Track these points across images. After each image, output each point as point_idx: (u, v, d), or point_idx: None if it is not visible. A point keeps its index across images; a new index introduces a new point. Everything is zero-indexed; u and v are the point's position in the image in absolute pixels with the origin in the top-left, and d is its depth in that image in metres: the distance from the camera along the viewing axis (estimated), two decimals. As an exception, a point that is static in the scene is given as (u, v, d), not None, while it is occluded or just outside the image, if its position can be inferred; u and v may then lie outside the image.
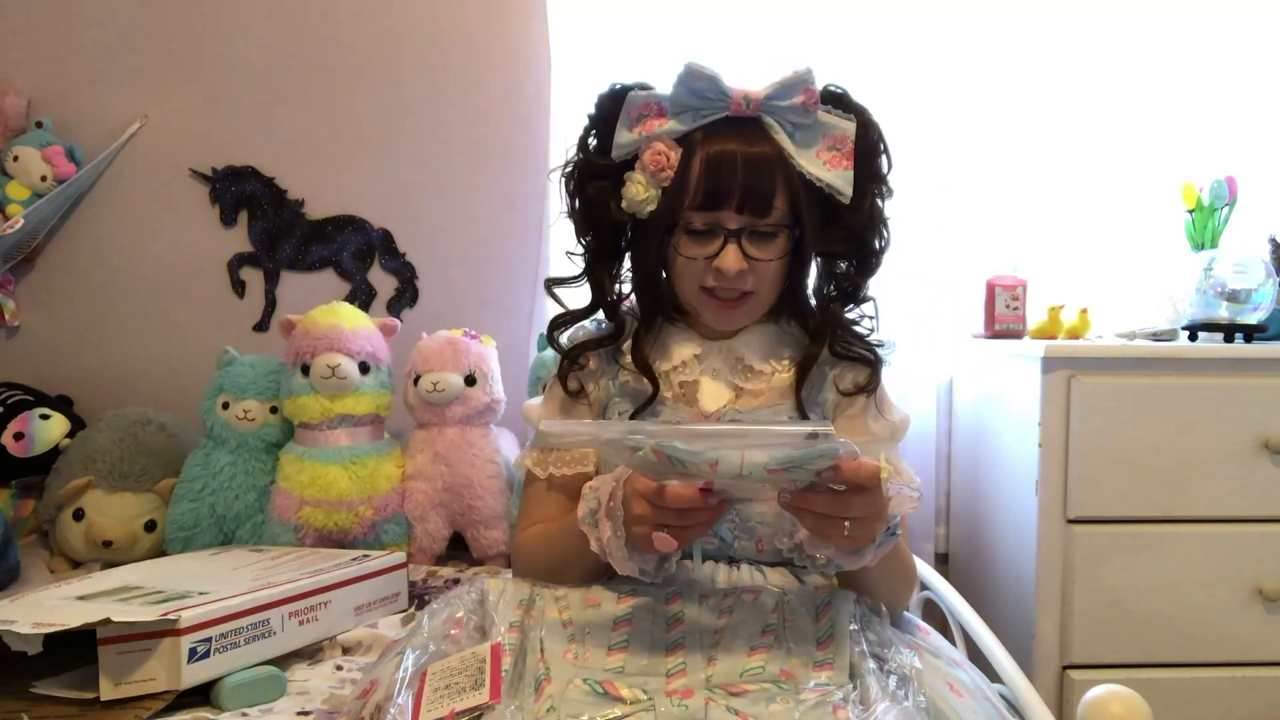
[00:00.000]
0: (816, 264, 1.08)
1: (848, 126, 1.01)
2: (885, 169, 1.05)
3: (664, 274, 1.07)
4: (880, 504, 0.82)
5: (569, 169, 1.08)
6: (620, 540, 0.88)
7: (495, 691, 0.80)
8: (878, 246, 1.06)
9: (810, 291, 1.09)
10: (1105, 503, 1.52)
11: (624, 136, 1.02)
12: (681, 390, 1.07)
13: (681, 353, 1.07)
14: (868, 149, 1.02)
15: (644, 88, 1.04)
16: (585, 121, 1.07)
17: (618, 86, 1.05)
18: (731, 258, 0.98)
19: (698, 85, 0.99)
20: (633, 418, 1.05)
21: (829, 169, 1.00)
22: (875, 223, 1.04)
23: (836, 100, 1.03)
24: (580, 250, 1.10)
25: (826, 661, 0.83)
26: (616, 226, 1.06)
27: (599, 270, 1.09)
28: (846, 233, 1.03)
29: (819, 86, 1.00)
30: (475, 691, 0.80)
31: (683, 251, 1.01)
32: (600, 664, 0.85)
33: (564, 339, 1.13)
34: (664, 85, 1.03)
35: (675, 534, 0.83)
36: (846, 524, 0.80)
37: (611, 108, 1.04)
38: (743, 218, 0.98)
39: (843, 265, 1.08)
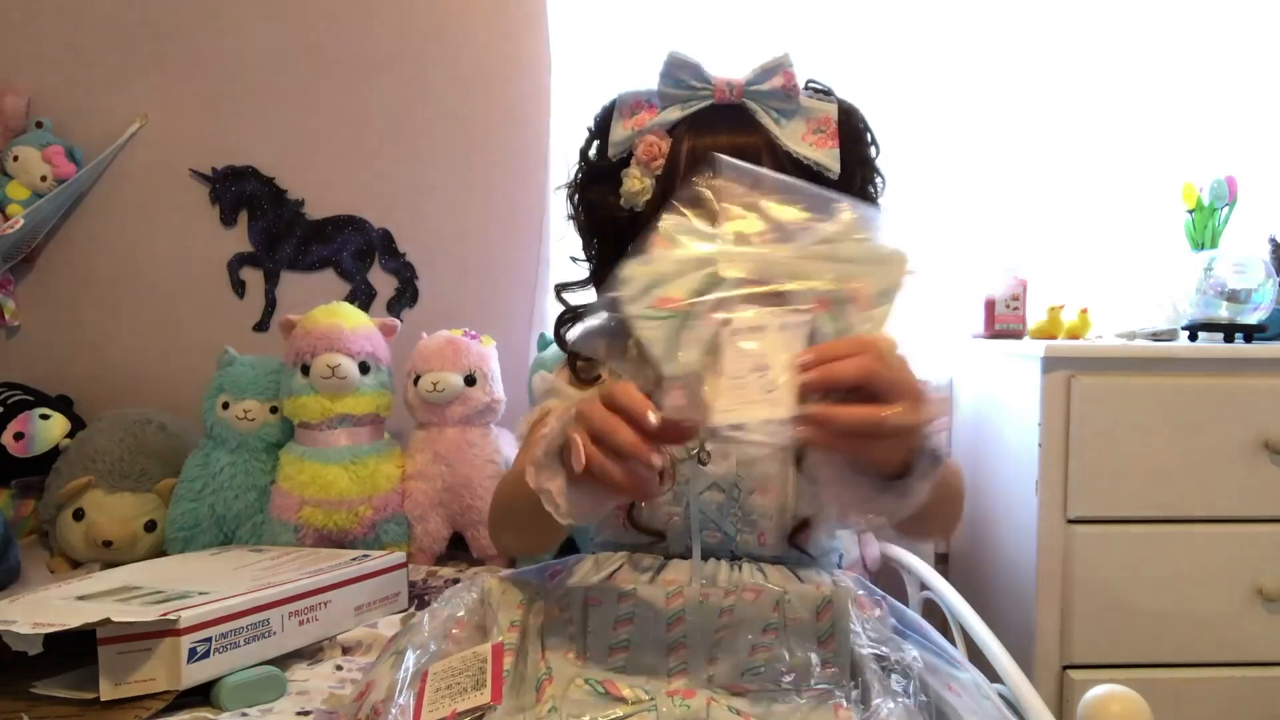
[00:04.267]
0: None
1: (829, 108, 1.03)
2: (873, 155, 1.06)
3: None
4: (913, 383, 0.67)
5: (572, 180, 1.11)
6: (551, 456, 0.77)
7: (497, 693, 0.80)
8: None
9: None
10: (1105, 503, 1.52)
11: (618, 134, 1.06)
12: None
13: None
14: (852, 134, 1.04)
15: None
16: (585, 134, 1.11)
17: (614, 97, 1.08)
18: None
19: (680, 74, 1.02)
20: None
21: (815, 149, 1.02)
22: (868, 204, 1.05)
23: (821, 95, 1.06)
24: (584, 257, 1.12)
25: (828, 660, 0.83)
26: (618, 225, 1.07)
27: (604, 272, 1.10)
28: None
29: (797, 73, 1.02)
30: (476, 692, 0.80)
31: None
32: (602, 663, 0.85)
33: (574, 333, 1.14)
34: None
35: (606, 470, 0.68)
36: (886, 414, 0.64)
37: (608, 115, 1.08)
38: None
39: None
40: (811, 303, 0.68)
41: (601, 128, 1.08)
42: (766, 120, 1.01)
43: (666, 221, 0.73)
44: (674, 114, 1.02)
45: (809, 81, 1.06)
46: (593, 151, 1.10)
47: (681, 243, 0.71)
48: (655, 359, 0.69)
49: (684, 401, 0.67)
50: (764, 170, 0.75)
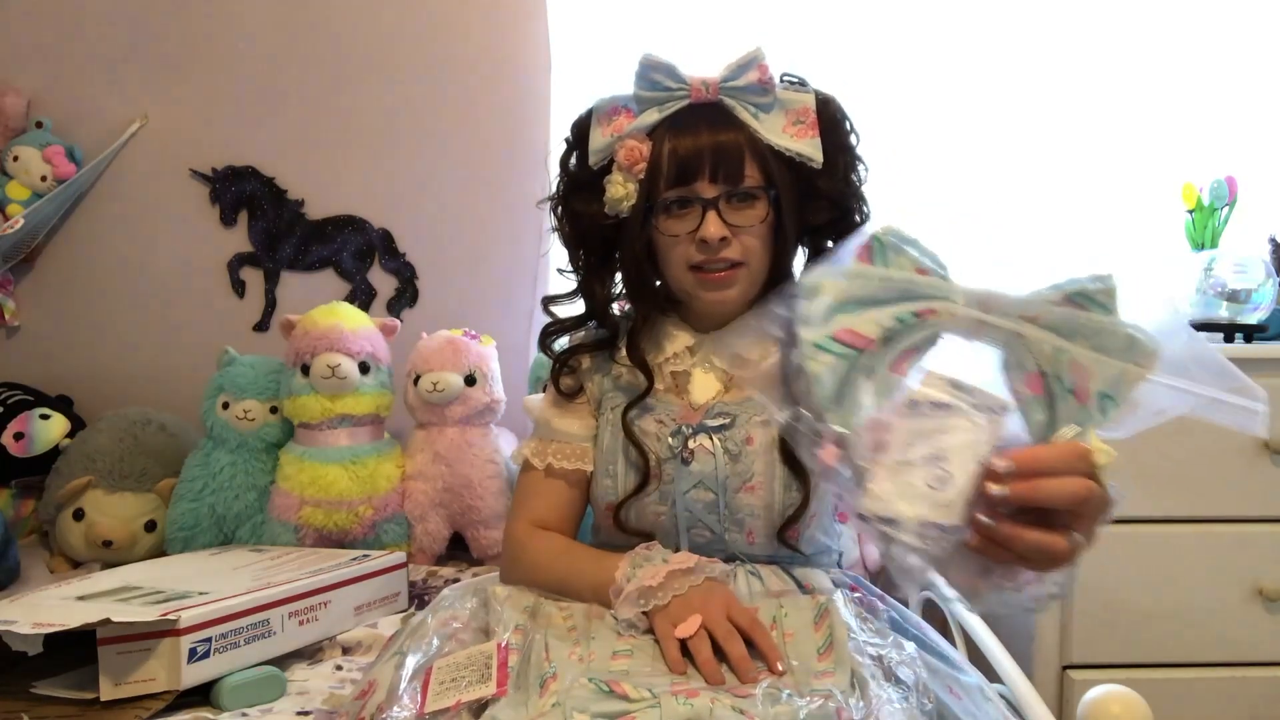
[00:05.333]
0: (804, 246, 1.10)
1: (806, 99, 1.04)
2: (853, 142, 1.07)
3: (652, 266, 1.07)
4: (1108, 505, 0.64)
5: (554, 193, 1.11)
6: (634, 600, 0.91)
7: (502, 683, 0.80)
8: (858, 220, 1.07)
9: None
10: (1105, 503, 1.52)
11: (598, 141, 1.06)
12: (674, 380, 1.08)
13: (674, 344, 1.08)
14: (831, 123, 1.05)
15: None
16: (564, 146, 1.11)
17: (589, 108, 1.08)
18: (712, 226, 0.99)
19: (655, 76, 1.02)
20: (625, 411, 1.06)
21: (795, 140, 1.02)
22: (853, 191, 1.06)
23: (797, 86, 1.06)
24: (571, 269, 1.13)
25: (827, 671, 0.83)
26: (604, 233, 1.07)
27: (592, 282, 1.11)
28: (829, 201, 1.05)
29: (770, 66, 1.02)
30: (481, 685, 0.81)
31: (665, 231, 1.03)
32: (605, 666, 0.85)
33: (562, 342, 1.15)
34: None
35: (708, 665, 0.84)
36: (1077, 536, 0.61)
37: (585, 125, 1.08)
38: (717, 186, 1.00)
39: (830, 243, 1.08)
40: (1024, 379, 0.58)
41: (580, 137, 1.08)
42: (745, 115, 1.01)
43: (882, 230, 0.62)
44: (652, 116, 1.02)
45: (784, 74, 1.06)
46: (573, 162, 1.10)
47: (891, 260, 0.59)
48: (818, 400, 0.59)
49: (834, 462, 0.59)
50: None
